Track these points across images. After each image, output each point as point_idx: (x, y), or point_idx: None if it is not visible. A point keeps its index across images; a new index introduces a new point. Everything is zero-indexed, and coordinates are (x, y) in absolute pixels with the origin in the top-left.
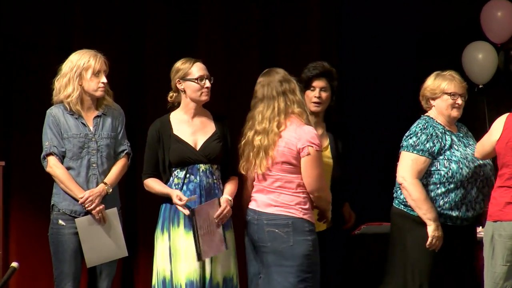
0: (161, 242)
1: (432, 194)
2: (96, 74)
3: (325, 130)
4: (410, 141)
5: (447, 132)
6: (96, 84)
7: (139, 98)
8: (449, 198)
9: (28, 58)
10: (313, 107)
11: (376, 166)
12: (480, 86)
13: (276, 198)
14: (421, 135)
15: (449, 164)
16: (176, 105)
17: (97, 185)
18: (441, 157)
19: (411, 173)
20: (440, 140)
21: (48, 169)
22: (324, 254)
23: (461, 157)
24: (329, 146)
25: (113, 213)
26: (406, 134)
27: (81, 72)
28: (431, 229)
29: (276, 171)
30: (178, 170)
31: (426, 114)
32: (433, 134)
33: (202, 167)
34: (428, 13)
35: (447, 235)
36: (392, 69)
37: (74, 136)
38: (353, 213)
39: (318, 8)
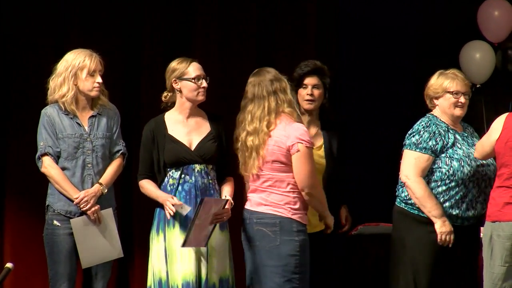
0: (156, 243)
1: (433, 191)
2: (91, 74)
3: (319, 129)
4: (413, 139)
5: (451, 131)
6: (91, 84)
7: (134, 98)
8: (449, 196)
9: (23, 58)
10: (306, 105)
11: (375, 166)
12: (478, 86)
13: (267, 197)
14: (423, 133)
15: (450, 162)
16: (169, 105)
17: (92, 185)
18: (443, 155)
19: (414, 171)
20: (443, 138)
21: (43, 170)
22: (321, 255)
23: (463, 156)
24: (322, 146)
25: (108, 213)
26: (409, 132)
27: (76, 71)
28: (438, 225)
29: (267, 171)
30: (173, 171)
31: (430, 113)
32: (436, 132)
33: (197, 167)
34: (425, 13)
35: None
36: (390, 69)
37: (69, 136)
38: (349, 217)
39: (316, 9)
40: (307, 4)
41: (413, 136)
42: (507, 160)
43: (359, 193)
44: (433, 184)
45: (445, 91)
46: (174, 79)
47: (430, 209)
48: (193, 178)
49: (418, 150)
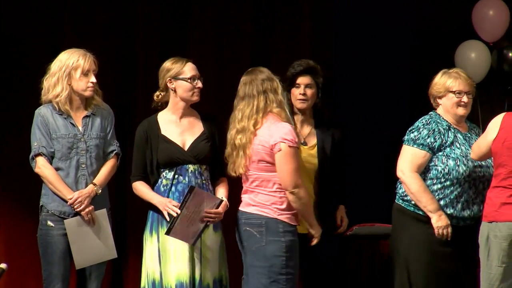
0: (150, 244)
1: (429, 189)
2: (85, 73)
3: (313, 128)
4: (412, 135)
5: (452, 129)
6: (85, 84)
7: (128, 98)
8: (444, 195)
9: (16, 57)
10: (298, 104)
11: (371, 166)
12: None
13: (254, 197)
14: (423, 130)
15: (446, 160)
16: (160, 105)
17: (86, 186)
18: (440, 153)
19: (410, 166)
20: (442, 136)
21: (36, 170)
22: (316, 255)
23: (460, 155)
24: (316, 146)
25: (102, 214)
26: (409, 128)
27: (70, 71)
28: (434, 220)
29: (253, 170)
30: (167, 171)
31: (434, 111)
32: (435, 129)
33: (191, 167)
34: (420, 13)
35: None
36: (386, 69)
37: (63, 137)
38: (345, 218)
39: (311, 10)
40: (302, 4)
41: (412, 132)
42: (504, 160)
43: (355, 193)
44: (428, 182)
45: (448, 90)
46: (169, 78)
47: (426, 203)
48: (186, 179)
49: (415, 146)
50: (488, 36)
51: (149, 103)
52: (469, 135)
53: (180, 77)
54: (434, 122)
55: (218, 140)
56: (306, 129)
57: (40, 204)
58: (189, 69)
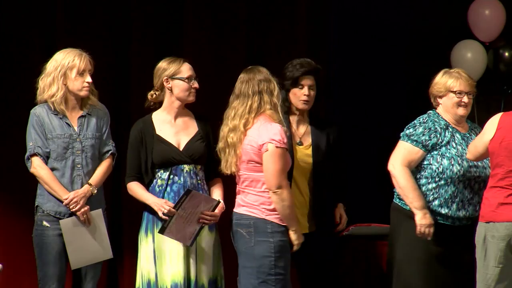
0: (145, 245)
1: (424, 188)
2: (80, 73)
3: (308, 126)
4: (407, 131)
5: (450, 129)
6: (81, 84)
7: (124, 98)
8: (439, 194)
9: (12, 57)
10: (301, 105)
11: (367, 166)
12: None
13: (244, 198)
14: (418, 127)
15: (441, 159)
16: (152, 104)
17: (81, 186)
18: (435, 152)
19: (401, 161)
20: (438, 135)
21: (32, 170)
22: (312, 256)
23: (455, 155)
24: (311, 145)
25: (98, 214)
26: (407, 125)
27: (65, 71)
28: (418, 217)
29: (243, 170)
30: (162, 171)
31: (433, 110)
32: (432, 128)
33: (186, 167)
34: (416, 13)
35: (439, 232)
36: (382, 69)
37: (58, 137)
38: (344, 215)
39: (306, 9)
40: (298, 4)
41: (408, 128)
42: (502, 160)
43: (352, 192)
44: (424, 181)
45: (449, 90)
46: (166, 77)
47: (412, 199)
48: (182, 179)
49: (409, 141)
50: (484, 36)
51: (145, 103)
52: (468, 135)
53: (177, 76)
54: (431, 120)
55: (212, 141)
56: (302, 129)
57: (36, 204)
58: (186, 69)
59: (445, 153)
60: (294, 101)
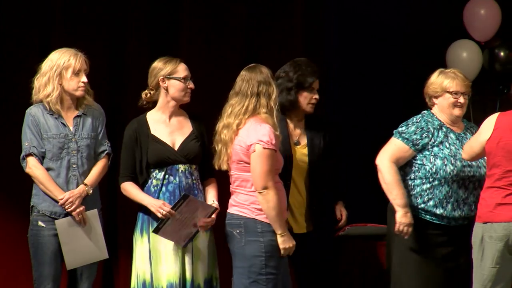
0: (140, 245)
1: (418, 189)
2: (76, 73)
3: (304, 128)
4: (400, 129)
5: (444, 129)
6: (76, 84)
7: (120, 98)
8: (433, 194)
9: (7, 57)
10: (309, 108)
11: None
12: None
13: (235, 198)
14: (411, 126)
15: (434, 160)
16: (146, 104)
17: (77, 186)
18: (428, 153)
19: (390, 156)
20: (430, 135)
21: (27, 170)
22: (309, 256)
23: (448, 155)
24: (306, 145)
25: (93, 214)
26: (402, 123)
27: (61, 71)
28: (399, 215)
29: (234, 170)
30: (157, 171)
31: (428, 110)
32: (424, 127)
33: (181, 167)
34: (411, 13)
35: (435, 233)
36: (377, 69)
37: (54, 137)
38: (345, 211)
39: (302, 9)
40: (294, 3)
41: (402, 126)
42: (499, 160)
43: (348, 192)
44: (418, 181)
45: (445, 90)
46: (162, 77)
47: (395, 196)
48: (177, 179)
49: (400, 138)
50: (479, 36)
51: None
52: (463, 134)
53: (174, 76)
54: (424, 120)
55: (207, 140)
56: (299, 129)
57: (31, 204)
58: (182, 69)
59: (438, 153)
60: (303, 103)
